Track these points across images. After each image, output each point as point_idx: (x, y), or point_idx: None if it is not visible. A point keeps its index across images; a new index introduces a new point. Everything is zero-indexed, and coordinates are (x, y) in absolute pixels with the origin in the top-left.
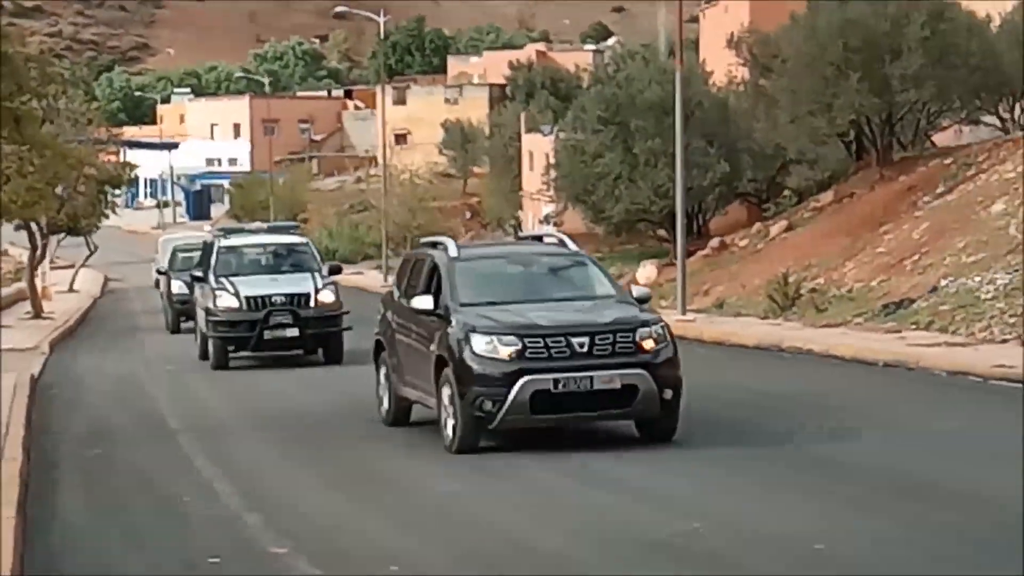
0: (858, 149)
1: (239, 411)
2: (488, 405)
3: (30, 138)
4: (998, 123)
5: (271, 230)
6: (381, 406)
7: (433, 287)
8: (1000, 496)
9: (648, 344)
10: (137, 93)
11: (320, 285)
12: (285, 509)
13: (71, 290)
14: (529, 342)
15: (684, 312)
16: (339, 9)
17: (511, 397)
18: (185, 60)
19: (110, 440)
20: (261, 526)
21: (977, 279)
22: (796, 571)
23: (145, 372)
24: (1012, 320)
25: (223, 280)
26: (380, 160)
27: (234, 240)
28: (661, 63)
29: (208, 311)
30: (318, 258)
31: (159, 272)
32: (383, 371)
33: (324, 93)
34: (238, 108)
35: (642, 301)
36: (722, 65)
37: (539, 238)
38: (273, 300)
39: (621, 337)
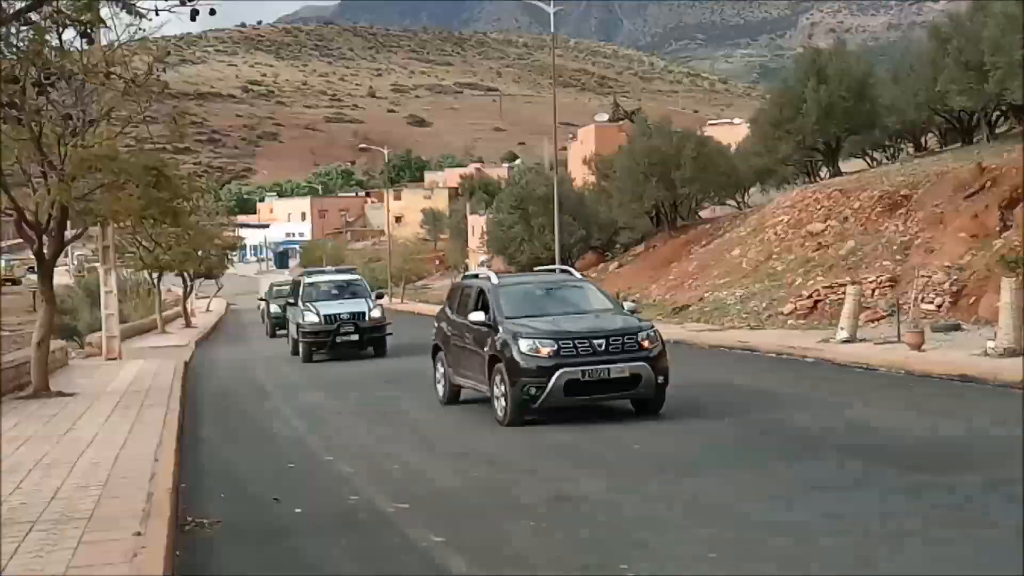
0: (657, 221)
1: (309, 381)
2: (533, 390)
3: (183, 224)
4: (735, 204)
5: (337, 271)
6: (438, 391)
7: (480, 305)
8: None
9: (647, 343)
10: (245, 196)
11: (372, 306)
12: (336, 436)
13: (207, 311)
14: (562, 344)
15: None
16: (362, 146)
17: (551, 384)
18: (273, 177)
19: (233, 396)
20: (320, 445)
21: (724, 293)
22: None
23: (252, 358)
24: (744, 316)
25: (308, 304)
26: (386, 232)
27: (315, 278)
28: (546, 174)
29: (299, 325)
30: (368, 289)
31: (260, 300)
32: (440, 367)
33: (354, 194)
34: (303, 204)
35: (633, 312)
36: (580, 174)
37: (552, 270)
38: (341, 316)
39: (628, 339)
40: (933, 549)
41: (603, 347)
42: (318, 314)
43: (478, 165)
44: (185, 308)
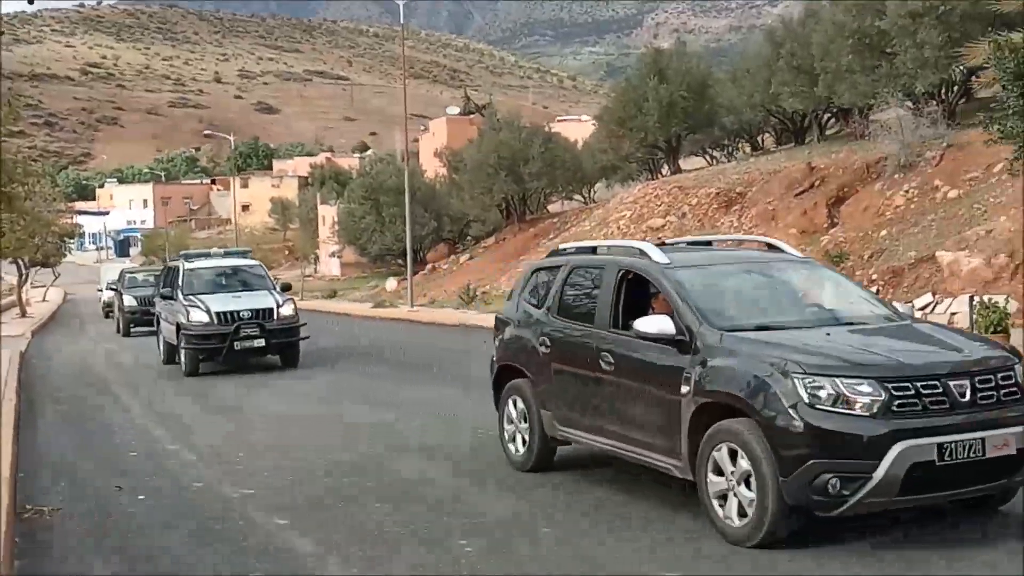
0: (507, 214)
1: (148, 367)
2: (836, 484)
3: (17, 209)
4: (581, 199)
5: (227, 254)
6: (511, 451)
7: (623, 305)
8: None
9: None
10: (84, 182)
11: (280, 300)
12: (178, 425)
13: (43, 300)
14: (895, 388)
15: (412, 306)
16: (207, 132)
17: (883, 471)
18: (113, 162)
19: (70, 387)
20: (163, 434)
21: None
22: None
23: (91, 348)
24: None
25: (192, 298)
26: (233, 221)
27: (197, 263)
28: (398, 165)
29: (181, 326)
30: (270, 278)
31: (109, 288)
32: (516, 406)
33: (199, 181)
34: (146, 191)
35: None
36: (432, 166)
37: (741, 241)
38: (241, 315)
39: (1003, 377)
40: None
41: (966, 394)
42: (208, 311)
43: (328, 154)
44: (20, 297)
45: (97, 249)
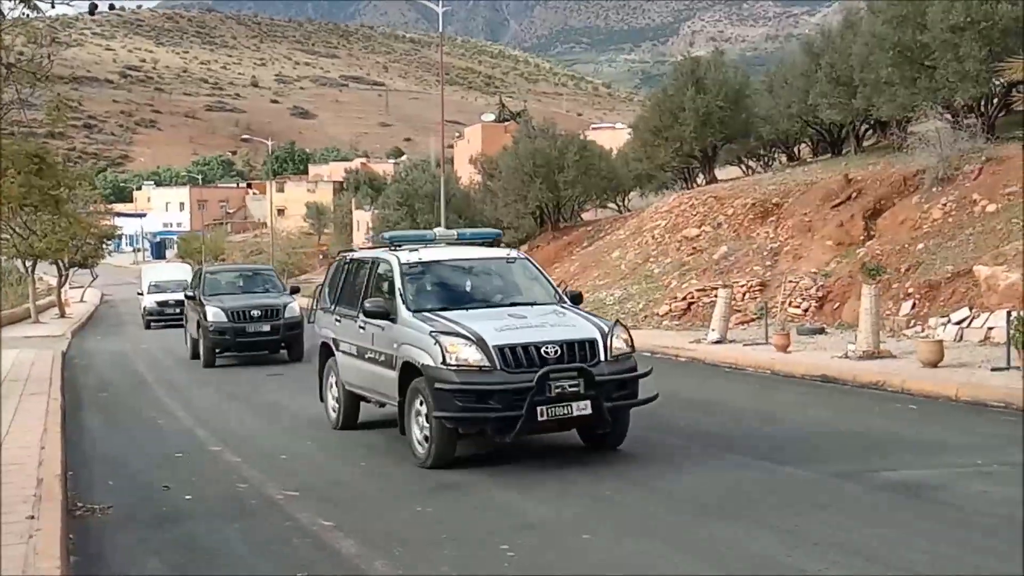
0: (541, 221)
1: (187, 370)
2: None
3: (63, 212)
4: (616, 207)
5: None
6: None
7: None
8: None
9: None
10: (122, 184)
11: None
12: (221, 426)
13: (82, 301)
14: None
15: None
16: (245, 136)
17: None
18: (151, 165)
19: (112, 388)
20: (207, 435)
21: (604, 293)
22: None
23: (130, 349)
24: (622, 316)
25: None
26: (269, 224)
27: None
28: (432, 171)
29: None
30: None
31: (139, 293)
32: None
33: (235, 185)
34: (183, 193)
35: None
36: (467, 173)
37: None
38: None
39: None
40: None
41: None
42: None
43: (363, 159)
44: (59, 297)
45: (134, 251)
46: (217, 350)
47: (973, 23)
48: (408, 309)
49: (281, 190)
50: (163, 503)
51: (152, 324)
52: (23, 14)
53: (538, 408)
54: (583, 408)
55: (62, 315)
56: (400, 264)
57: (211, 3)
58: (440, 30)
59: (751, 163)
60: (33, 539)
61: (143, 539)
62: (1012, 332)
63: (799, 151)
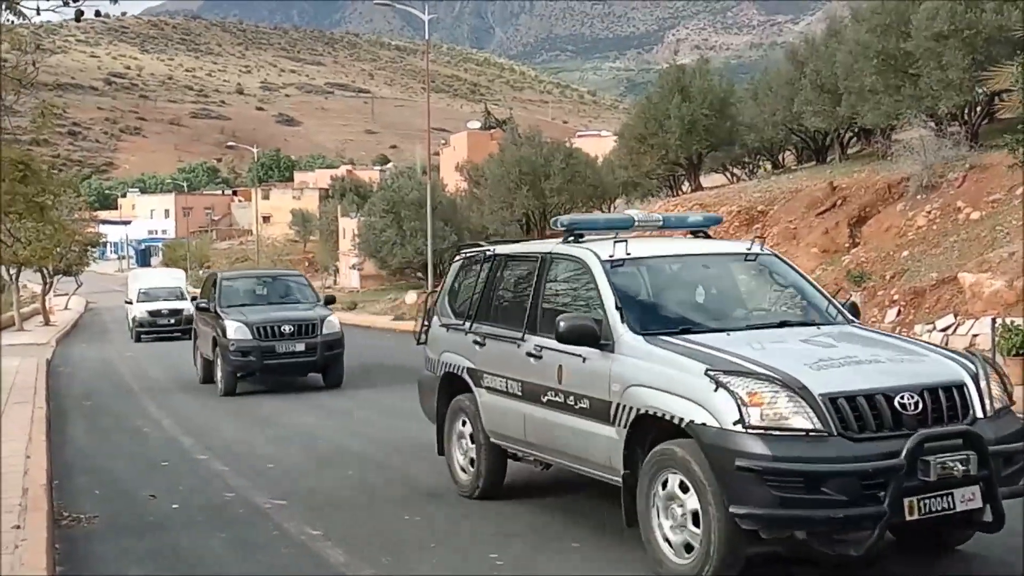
0: (527, 229)
1: (173, 378)
2: None
3: (48, 219)
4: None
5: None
6: None
7: None
8: None
9: None
10: (107, 191)
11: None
12: (207, 435)
13: (66, 308)
14: None
15: None
16: (230, 144)
17: None
18: (136, 172)
19: (96, 396)
20: (192, 444)
21: None
22: None
23: (115, 356)
24: None
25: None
26: (254, 232)
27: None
28: (418, 178)
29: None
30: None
31: (127, 302)
32: None
33: (220, 192)
34: (168, 200)
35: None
36: (453, 180)
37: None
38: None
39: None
40: None
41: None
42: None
43: (349, 167)
44: (44, 305)
45: (119, 258)
46: (239, 374)
47: (956, 31)
48: (635, 331)
49: (266, 197)
50: (149, 512)
51: (143, 336)
52: (8, 20)
53: (906, 501)
54: (969, 498)
55: (46, 323)
56: (601, 262)
57: (196, 10)
58: (427, 37)
59: (736, 171)
60: (19, 549)
61: (129, 548)
62: (996, 339)
63: (784, 159)
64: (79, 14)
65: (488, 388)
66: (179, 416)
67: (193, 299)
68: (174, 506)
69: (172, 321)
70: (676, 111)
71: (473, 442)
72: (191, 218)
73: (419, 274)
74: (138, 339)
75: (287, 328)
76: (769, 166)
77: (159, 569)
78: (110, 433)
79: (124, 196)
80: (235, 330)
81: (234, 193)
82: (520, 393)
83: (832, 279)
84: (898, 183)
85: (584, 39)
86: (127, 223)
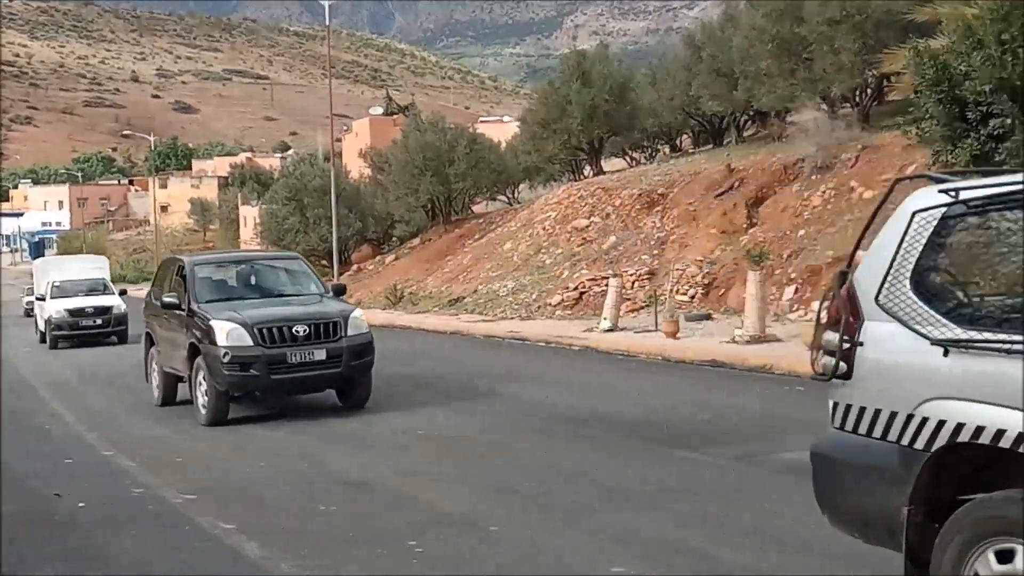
0: (432, 215)
1: (75, 374)
2: None
3: None
4: (506, 200)
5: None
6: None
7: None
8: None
9: None
10: None
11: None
12: (114, 429)
13: None
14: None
15: None
16: (126, 132)
17: None
18: (27, 163)
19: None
20: (97, 439)
21: (497, 285)
22: None
23: (26, 367)
24: (516, 307)
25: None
26: (152, 222)
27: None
28: (321, 165)
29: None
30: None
31: (38, 298)
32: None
33: (116, 182)
34: (62, 191)
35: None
36: (356, 167)
37: None
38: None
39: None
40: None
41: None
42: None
43: (249, 154)
44: None
45: (11, 251)
46: (235, 393)
47: (848, 16)
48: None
49: (164, 186)
50: (55, 511)
51: (60, 343)
52: None
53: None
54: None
55: None
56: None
57: None
58: (327, 23)
59: (636, 155)
60: None
61: (37, 548)
62: None
63: (682, 142)
64: None
65: None
66: (81, 409)
67: (122, 292)
68: (80, 504)
69: (99, 322)
70: (577, 96)
71: None
72: (86, 209)
73: (324, 262)
74: (53, 345)
75: (300, 329)
76: (668, 150)
77: (69, 569)
78: (11, 427)
79: (16, 187)
80: (228, 334)
81: (130, 183)
82: None
83: (731, 259)
84: (793, 164)
85: (484, 25)
86: (20, 215)
